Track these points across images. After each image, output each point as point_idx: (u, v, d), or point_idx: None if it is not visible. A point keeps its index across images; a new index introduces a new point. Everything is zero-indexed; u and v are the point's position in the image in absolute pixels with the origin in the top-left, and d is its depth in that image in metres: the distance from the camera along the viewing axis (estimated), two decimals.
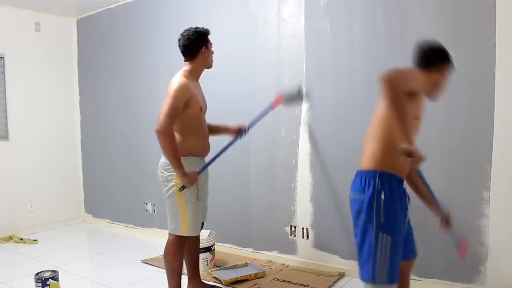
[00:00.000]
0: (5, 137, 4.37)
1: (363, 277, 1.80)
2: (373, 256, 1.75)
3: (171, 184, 2.41)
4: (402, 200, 1.83)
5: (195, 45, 2.44)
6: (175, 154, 2.30)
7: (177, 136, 2.39)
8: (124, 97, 4.47)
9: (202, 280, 2.81)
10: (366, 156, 1.84)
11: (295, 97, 2.91)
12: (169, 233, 2.52)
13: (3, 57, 4.31)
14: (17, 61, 4.42)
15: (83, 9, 4.63)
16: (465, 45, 2.50)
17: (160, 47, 4.05)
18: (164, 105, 2.32)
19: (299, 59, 3.19)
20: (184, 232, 2.45)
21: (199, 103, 2.45)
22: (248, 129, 2.71)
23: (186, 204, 2.42)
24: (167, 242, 2.52)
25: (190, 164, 2.40)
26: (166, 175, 2.42)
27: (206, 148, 2.57)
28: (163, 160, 2.45)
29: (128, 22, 4.34)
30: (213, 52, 2.54)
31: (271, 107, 2.77)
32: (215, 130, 2.71)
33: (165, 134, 2.27)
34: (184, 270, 2.67)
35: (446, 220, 2.01)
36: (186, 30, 2.47)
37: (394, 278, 1.77)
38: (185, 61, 2.49)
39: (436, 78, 1.90)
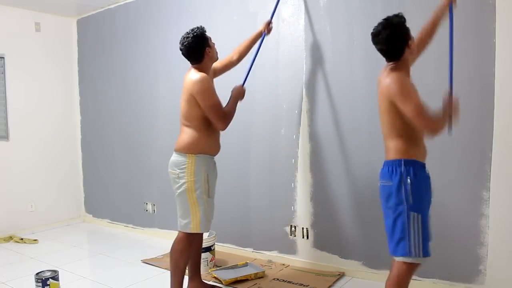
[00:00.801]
0: (5, 137, 4.37)
1: (399, 253, 1.96)
2: (407, 234, 1.94)
3: (182, 181, 2.44)
4: (426, 182, 2.03)
5: (198, 50, 2.47)
6: (232, 112, 2.55)
7: (194, 134, 2.44)
8: (124, 97, 4.47)
9: (203, 280, 2.81)
10: (391, 149, 2.01)
11: None
12: (179, 231, 2.53)
13: (3, 57, 4.32)
14: (17, 61, 4.43)
15: (83, 9, 4.63)
16: (465, 45, 2.50)
17: (160, 47, 4.06)
18: (210, 106, 2.40)
19: (299, 59, 3.19)
20: (195, 229, 2.47)
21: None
22: (270, 23, 3.00)
23: (197, 201, 2.45)
24: (176, 239, 2.53)
25: (201, 161, 2.45)
26: (177, 172, 2.45)
27: (218, 147, 2.62)
28: (175, 157, 2.48)
29: (128, 22, 4.34)
30: (214, 44, 2.58)
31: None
32: (247, 46, 2.96)
33: (227, 124, 2.48)
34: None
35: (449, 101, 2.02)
36: (183, 37, 2.48)
37: (428, 252, 1.96)
38: (193, 64, 2.52)
39: (407, 58, 2.04)
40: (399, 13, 2.04)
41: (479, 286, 2.51)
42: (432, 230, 2.64)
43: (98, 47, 4.69)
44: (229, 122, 2.50)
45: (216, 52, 2.60)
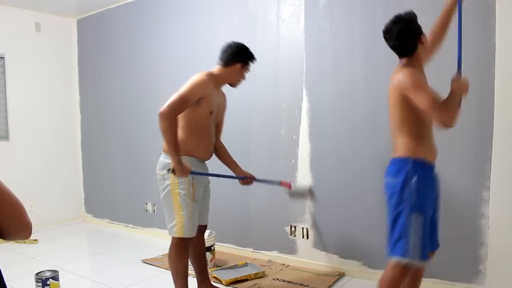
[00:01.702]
0: (5, 137, 4.37)
1: (396, 253, 1.91)
2: (406, 234, 1.89)
3: (167, 182, 2.37)
4: (432, 184, 1.98)
5: (235, 55, 2.44)
6: (174, 138, 2.24)
7: (180, 134, 2.36)
8: (124, 97, 4.47)
9: (212, 283, 2.76)
10: (399, 147, 1.96)
11: (302, 194, 2.82)
12: (170, 235, 2.47)
13: (3, 57, 4.32)
14: (17, 61, 4.43)
15: (83, 9, 4.63)
16: (465, 45, 2.50)
17: (160, 47, 4.06)
18: (177, 92, 2.27)
19: (299, 59, 3.19)
20: (179, 233, 2.38)
21: (211, 106, 2.40)
22: (253, 180, 2.66)
23: (182, 204, 2.37)
24: (170, 244, 2.47)
25: (186, 163, 2.35)
26: (163, 174, 2.39)
27: (207, 152, 2.52)
28: (162, 158, 2.42)
29: (128, 22, 4.34)
30: (244, 78, 2.54)
31: (280, 184, 2.69)
32: (226, 161, 2.69)
33: (168, 117, 2.21)
34: (193, 272, 2.65)
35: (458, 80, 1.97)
36: (236, 42, 2.48)
37: (425, 255, 1.91)
38: (218, 64, 2.48)
39: (420, 55, 2.01)
40: (410, 10, 2.03)
41: (479, 286, 2.51)
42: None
43: (98, 47, 4.69)
44: (166, 114, 2.20)
45: (239, 82, 2.55)
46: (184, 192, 2.36)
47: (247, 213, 3.52)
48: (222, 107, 2.61)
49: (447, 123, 1.82)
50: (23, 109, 4.48)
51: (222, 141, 2.71)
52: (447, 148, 2.59)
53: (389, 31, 1.98)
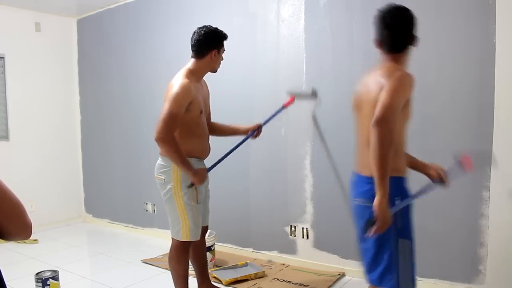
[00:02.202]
0: (5, 137, 4.37)
1: (385, 285, 1.69)
2: (396, 264, 1.67)
3: (169, 186, 2.33)
4: (410, 201, 1.76)
5: (207, 44, 2.35)
6: (181, 158, 2.22)
7: (176, 135, 2.30)
8: (124, 97, 4.47)
9: (213, 283, 2.76)
10: (369, 162, 1.64)
11: (308, 97, 2.91)
12: (172, 238, 2.43)
13: (3, 57, 4.32)
14: (17, 61, 4.42)
15: (83, 9, 4.63)
16: (465, 45, 2.50)
17: (160, 47, 4.05)
18: (163, 111, 2.19)
19: (299, 59, 3.19)
20: (185, 237, 2.36)
21: (199, 106, 2.36)
22: (261, 127, 2.68)
23: (185, 208, 2.33)
24: (171, 247, 2.44)
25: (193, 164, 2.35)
26: (163, 178, 2.35)
27: (205, 151, 2.50)
28: (160, 161, 2.38)
29: (128, 22, 4.34)
30: (222, 59, 2.47)
31: (284, 106, 2.74)
32: (228, 131, 2.67)
33: (167, 141, 2.17)
34: (193, 272, 2.65)
35: (439, 176, 1.88)
36: (204, 26, 2.37)
37: (415, 281, 1.74)
38: (192, 57, 2.40)
39: (405, 58, 1.79)
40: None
41: (479, 286, 2.51)
42: (432, 230, 2.66)
43: (98, 47, 4.69)
44: (163, 139, 2.18)
45: (219, 65, 2.45)
46: (187, 195, 2.33)
47: (247, 213, 3.52)
48: (207, 98, 2.58)
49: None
50: (23, 109, 4.48)
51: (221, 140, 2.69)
52: (447, 147, 2.59)
53: (383, 18, 1.76)
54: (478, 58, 2.47)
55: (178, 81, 2.29)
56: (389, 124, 1.54)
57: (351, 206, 1.88)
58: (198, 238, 2.43)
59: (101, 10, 4.60)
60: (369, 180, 1.67)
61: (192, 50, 2.39)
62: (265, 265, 3.24)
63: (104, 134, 4.72)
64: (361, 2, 2.89)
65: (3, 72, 4.34)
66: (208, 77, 2.68)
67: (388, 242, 1.67)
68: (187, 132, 2.35)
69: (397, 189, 1.67)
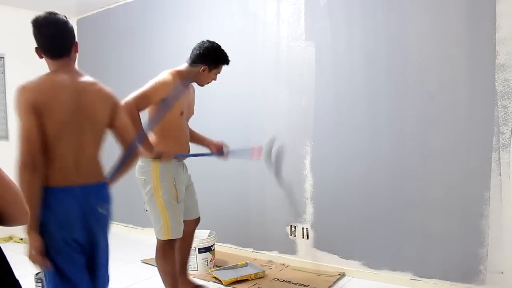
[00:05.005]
0: (5, 137, 4.37)
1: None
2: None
3: (149, 187, 2.38)
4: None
5: (201, 57, 2.40)
6: (143, 132, 2.25)
7: (155, 138, 2.37)
8: (123, 97, 4.45)
9: (190, 278, 2.76)
10: (102, 170, 1.92)
11: (269, 158, 2.73)
12: (157, 238, 2.46)
13: (3, 57, 4.32)
14: (17, 61, 4.42)
15: (83, 9, 4.63)
16: (465, 45, 2.50)
17: (160, 47, 4.05)
18: (139, 89, 2.28)
19: (298, 59, 3.19)
20: (167, 235, 2.38)
21: (180, 106, 2.38)
22: (227, 155, 2.67)
23: (166, 206, 2.37)
24: (156, 246, 2.46)
25: (166, 165, 2.37)
26: (143, 178, 2.39)
27: (183, 150, 2.50)
28: (139, 162, 2.39)
29: (128, 22, 4.34)
30: (214, 79, 2.50)
31: (251, 155, 2.67)
32: (198, 140, 2.69)
33: (130, 109, 2.27)
34: None
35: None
36: (213, 42, 2.43)
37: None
38: (186, 61, 2.46)
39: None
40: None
41: (479, 286, 2.51)
42: (432, 230, 2.66)
43: (98, 47, 4.69)
44: (129, 116, 2.27)
45: (206, 83, 2.50)
46: (167, 194, 2.37)
47: (247, 213, 3.52)
48: (192, 104, 2.59)
49: None
50: None
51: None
52: (447, 147, 2.59)
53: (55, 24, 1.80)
54: (478, 58, 2.47)
55: (163, 75, 2.38)
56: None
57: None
58: (180, 235, 2.45)
59: (101, 9, 4.60)
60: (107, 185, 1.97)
61: (189, 55, 2.46)
62: (265, 265, 3.24)
63: None
64: (361, 2, 2.89)
65: (3, 72, 4.34)
66: None
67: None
68: (167, 133, 2.39)
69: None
